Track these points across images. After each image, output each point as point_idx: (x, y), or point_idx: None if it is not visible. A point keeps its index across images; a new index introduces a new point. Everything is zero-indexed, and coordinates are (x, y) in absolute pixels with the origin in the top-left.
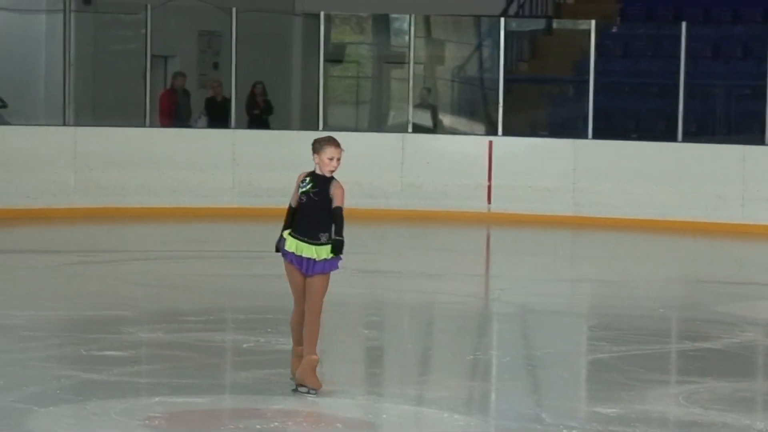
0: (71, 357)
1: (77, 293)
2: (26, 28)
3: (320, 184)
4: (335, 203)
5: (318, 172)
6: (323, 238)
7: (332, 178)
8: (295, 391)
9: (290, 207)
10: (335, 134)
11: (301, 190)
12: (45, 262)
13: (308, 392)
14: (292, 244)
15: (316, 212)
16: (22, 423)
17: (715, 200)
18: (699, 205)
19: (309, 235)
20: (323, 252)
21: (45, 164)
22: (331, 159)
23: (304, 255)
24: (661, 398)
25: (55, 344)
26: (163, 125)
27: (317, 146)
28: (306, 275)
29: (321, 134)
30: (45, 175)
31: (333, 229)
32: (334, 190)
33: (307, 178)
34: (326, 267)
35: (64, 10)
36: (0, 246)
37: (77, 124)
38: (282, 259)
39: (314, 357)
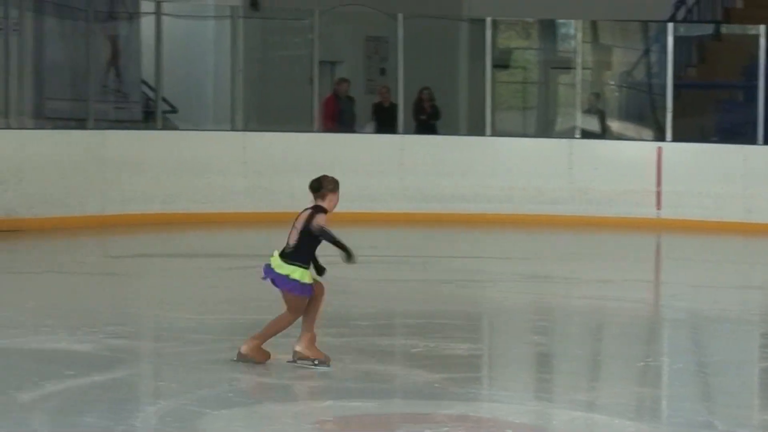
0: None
1: (245, 297)
2: (194, 35)
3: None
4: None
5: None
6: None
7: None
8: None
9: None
10: (502, 140)
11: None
12: (214, 265)
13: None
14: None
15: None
16: (195, 426)
17: None
18: None
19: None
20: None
21: (214, 169)
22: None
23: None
24: None
25: (226, 347)
26: (327, 131)
27: (333, 187)
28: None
29: (488, 140)
30: (214, 180)
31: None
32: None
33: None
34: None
35: (232, 16)
36: (170, 250)
37: (246, 129)
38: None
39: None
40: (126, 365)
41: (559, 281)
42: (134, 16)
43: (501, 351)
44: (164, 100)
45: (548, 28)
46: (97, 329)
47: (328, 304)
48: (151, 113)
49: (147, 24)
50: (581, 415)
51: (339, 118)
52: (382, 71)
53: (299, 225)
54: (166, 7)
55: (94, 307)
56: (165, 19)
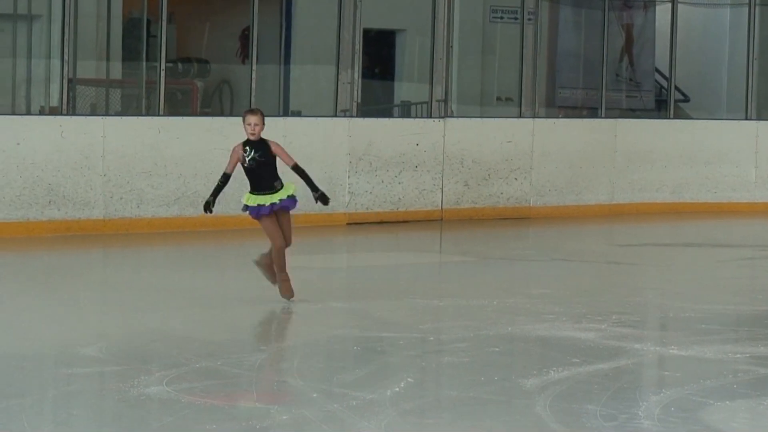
0: (751, 352)
1: (753, 288)
2: (710, 23)
3: (260, 148)
4: (288, 162)
5: (248, 137)
6: (277, 185)
7: (265, 140)
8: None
9: (225, 174)
10: None
11: (248, 159)
12: (724, 255)
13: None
14: (256, 200)
15: (265, 170)
16: (698, 416)
17: None
18: None
19: (267, 189)
20: (282, 194)
21: (725, 159)
22: (249, 124)
23: (267, 204)
24: None
25: (732, 339)
26: None
27: (243, 117)
28: (272, 214)
29: None
30: (725, 170)
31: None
32: (274, 149)
33: (247, 148)
34: (293, 202)
35: (749, 4)
36: (677, 239)
37: (759, 118)
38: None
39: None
40: (629, 354)
41: None
42: (649, 4)
43: None
44: (677, 89)
45: None
46: (602, 318)
47: None
48: (663, 102)
49: (662, 12)
50: None
51: None
52: None
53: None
54: None
55: (599, 295)
56: (681, 7)
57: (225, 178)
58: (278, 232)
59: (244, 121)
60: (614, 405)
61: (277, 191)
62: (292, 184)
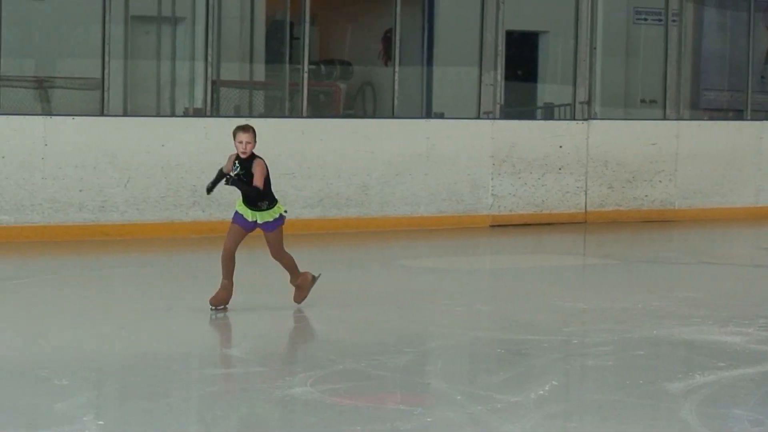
0: None
1: None
2: None
3: (245, 166)
4: (255, 181)
5: (240, 156)
6: (263, 205)
7: (254, 157)
8: None
9: (220, 170)
10: None
11: (233, 173)
12: None
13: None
14: (246, 213)
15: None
16: None
17: None
18: None
19: (252, 205)
20: (266, 216)
21: None
22: (240, 143)
23: (250, 219)
24: None
25: None
26: None
27: (233, 133)
28: (248, 230)
29: None
30: None
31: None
32: (254, 168)
33: (236, 162)
34: (272, 227)
35: None
36: None
37: None
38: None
39: (306, 275)
40: None
41: None
42: None
43: None
44: None
45: None
46: (749, 322)
47: None
48: None
49: None
50: None
51: None
52: None
53: None
54: None
55: (745, 299)
56: None
57: (221, 174)
58: (232, 238)
59: (234, 138)
60: (762, 410)
61: (260, 210)
62: (281, 206)
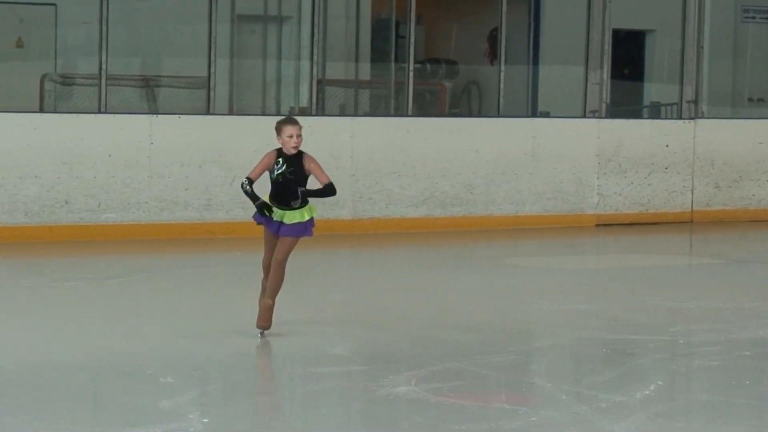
0: None
1: None
2: None
3: (293, 163)
4: (322, 179)
5: (285, 151)
6: (295, 204)
7: (301, 153)
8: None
9: (248, 179)
10: None
11: (277, 173)
12: None
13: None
14: (274, 213)
15: (290, 187)
16: None
17: None
18: None
19: (284, 205)
20: (297, 216)
21: None
22: (290, 137)
23: (275, 219)
24: None
25: None
26: None
27: (277, 127)
28: (278, 235)
29: None
30: None
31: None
32: (308, 165)
33: (280, 160)
34: (295, 231)
35: None
36: None
37: None
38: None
39: (269, 302)
40: None
41: None
42: None
43: None
44: None
45: None
46: None
47: None
48: None
49: None
50: None
51: None
52: None
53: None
54: None
55: None
56: None
57: (250, 183)
58: (265, 252)
59: (281, 132)
60: None
61: (292, 209)
62: (314, 208)
